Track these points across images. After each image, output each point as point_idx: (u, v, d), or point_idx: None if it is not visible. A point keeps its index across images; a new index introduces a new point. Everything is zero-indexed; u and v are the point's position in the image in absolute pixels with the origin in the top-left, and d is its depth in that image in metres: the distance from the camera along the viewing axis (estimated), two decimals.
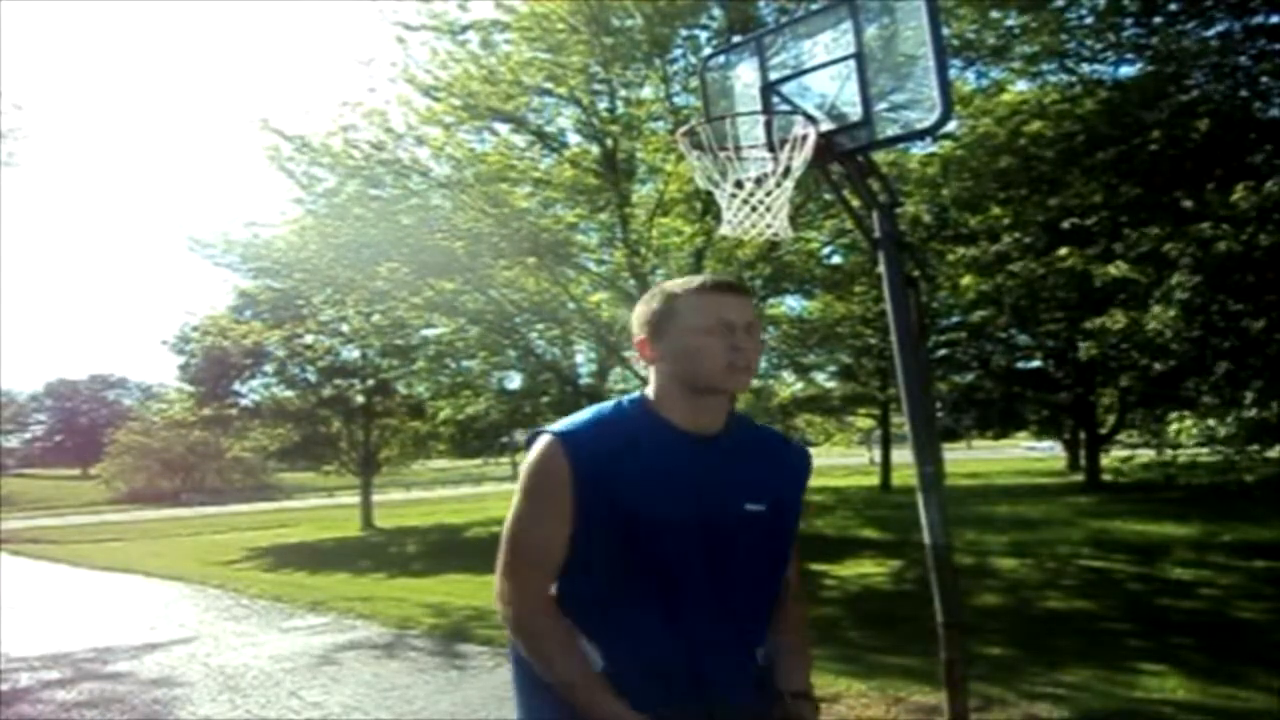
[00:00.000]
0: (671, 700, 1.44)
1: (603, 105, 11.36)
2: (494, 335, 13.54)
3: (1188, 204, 8.98)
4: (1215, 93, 9.57)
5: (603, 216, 12.11)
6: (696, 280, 1.61)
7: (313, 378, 22.42)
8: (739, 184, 3.54)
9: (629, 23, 10.03)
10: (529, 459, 1.52)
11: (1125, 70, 10.13)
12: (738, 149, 3.52)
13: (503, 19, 10.43)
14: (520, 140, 11.91)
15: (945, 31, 9.99)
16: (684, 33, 10.54)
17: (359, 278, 11.63)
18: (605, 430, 1.52)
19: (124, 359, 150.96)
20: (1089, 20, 9.49)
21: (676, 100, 10.74)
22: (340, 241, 10.84)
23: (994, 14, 9.23)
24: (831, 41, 3.72)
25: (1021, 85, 10.47)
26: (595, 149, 11.60)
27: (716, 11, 10.54)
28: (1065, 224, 10.78)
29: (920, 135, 3.97)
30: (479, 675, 5.80)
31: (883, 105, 3.60)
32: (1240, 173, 8.25)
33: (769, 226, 3.50)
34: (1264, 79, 9.54)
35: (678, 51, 10.64)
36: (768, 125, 3.70)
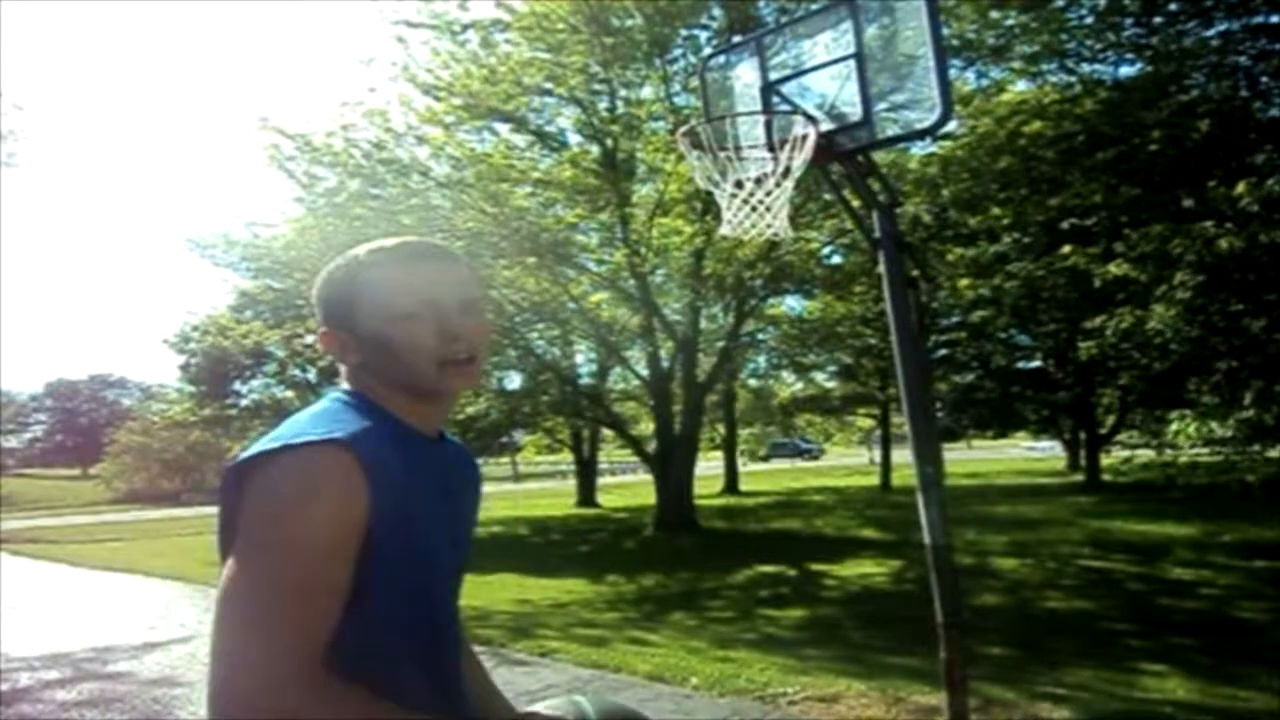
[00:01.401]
0: None
1: (603, 105, 11.37)
2: (494, 335, 13.55)
3: (1189, 203, 8.98)
4: (1215, 93, 9.57)
5: (603, 216, 12.11)
6: (388, 245, 1.18)
7: (313, 378, 22.44)
8: (739, 184, 3.54)
9: (629, 23, 10.04)
10: (292, 487, 1.02)
11: (1125, 70, 10.14)
12: (738, 149, 3.52)
13: (503, 19, 10.45)
14: (520, 140, 11.93)
15: (945, 31, 9.99)
16: (684, 33, 10.55)
17: None
18: (378, 433, 1.10)
19: (124, 359, 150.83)
20: (1089, 20, 9.49)
21: (676, 100, 10.75)
22: (340, 241, 10.85)
23: (994, 14, 9.24)
24: (831, 41, 3.72)
25: (1021, 85, 10.48)
26: (595, 149, 11.61)
27: (716, 11, 10.55)
28: (1065, 224, 10.78)
29: (920, 135, 3.97)
30: None
31: (883, 105, 3.60)
32: (1241, 172, 8.25)
33: (769, 226, 3.50)
34: (1264, 79, 9.54)
35: (678, 51, 10.65)
36: (768, 125, 3.70)
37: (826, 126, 3.60)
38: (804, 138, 3.41)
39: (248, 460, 1.06)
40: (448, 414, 1.25)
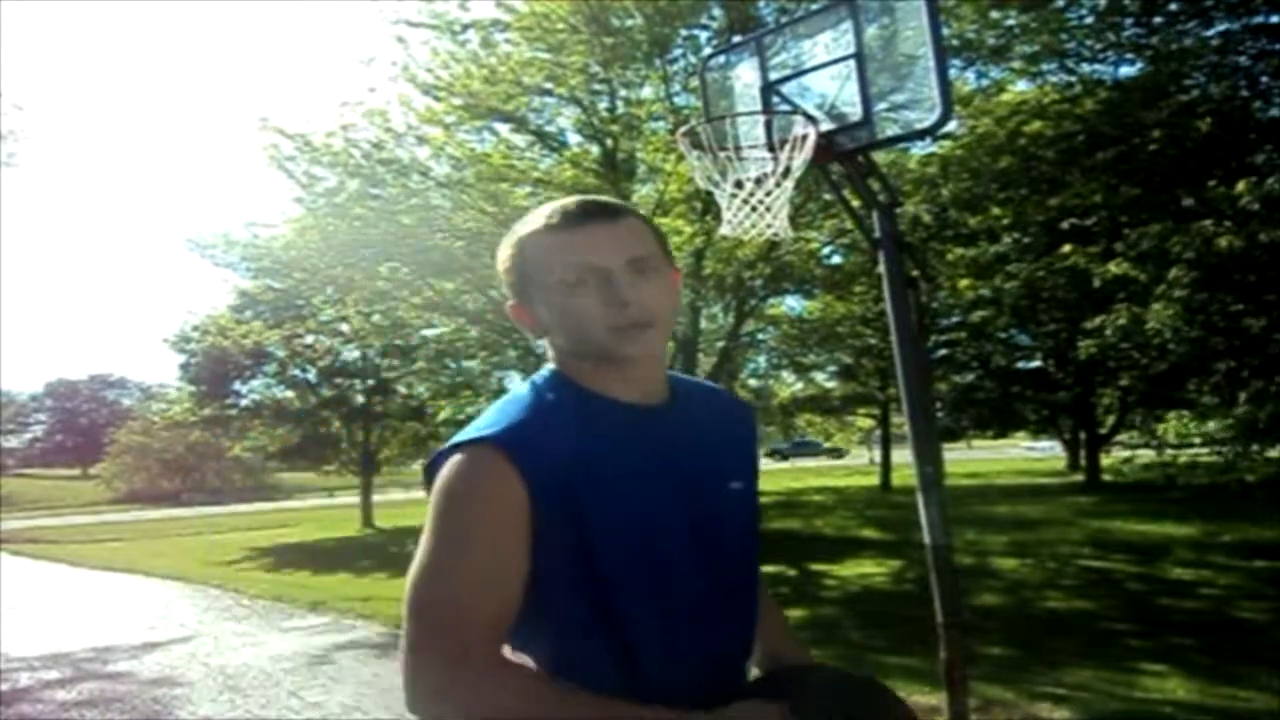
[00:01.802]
0: None
1: (603, 105, 11.36)
2: (494, 335, 13.53)
3: (1189, 202, 8.98)
4: (1215, 93, 9.57)
5: None
6: (546, 210, 1.16)
7: (313, 378, 22.44)
8: (739, 184, 3.54)
9: (629, 23, 10.03)
10: (453, 486, 1.06)
11: (1125, 70, 10.13)
12: (738, 149, 3.52)
13: (503, 19, 10.44)
14: (520, 140, 11.91)
15: (945, 31, 9.99)
16: (684, 33, 10.54)
17: (359, 278, 11.64)
18: (550, 424, 1.10)
19: (124, 359, 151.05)
20: (1089, 20, 9.49)
21: (676, 100, 10.75)
22: (340, 241, 10.85)
23: (994, 14, 9.24)
24: (831, 41, 3.72)
25: (1021, 85, 10.48)
26: (595, 149, 11.61)
27: (716, 11, 10.54)
28: (1065, 224, 10.78)
29: (920, 135, 3.97)
30: None
31: (883, 105, 3.60)
32: (1241, 172, 8.25)
33: (769, 226, 3.50)
34: (1264, 79, 9.54)
35: (678, 51, 10.64)
36: (768, 125, 3.70)
37: (826, 126, 3.60)
38: (804, 138, 3.42)
39: (436, 455, 1.11)
40: (657, 377, 1.19)
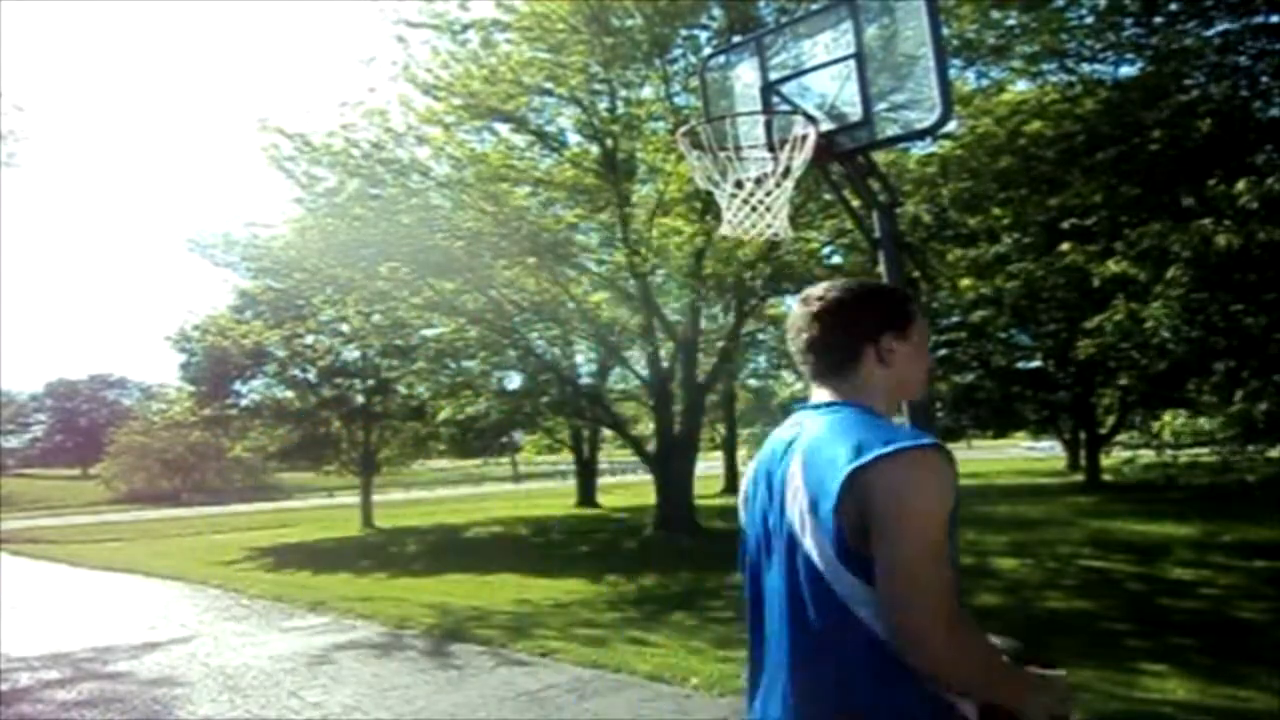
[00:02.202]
0: None
1: (603, 105, 11.37)
2: (494, 335, 13.53)
3: (1189, 201, 8.97)
4: (1215, 93, 9.56)
5: (603, 216, 12.11)
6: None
7: (313, 378, 22.43)
8: (739, 184, 3.53)
9: (629, 23, 10.04)
10: (941, 477, 1.32)
11: (1125, 70, 10.13)
12: (738, 149, 3.52)
13: (503, 19, 10.44)
14: (520, 140, 11.92)
15: (945, 31, 9.98)
16: (684, 33, 10.55)
17: (359, 277, 11.65)
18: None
19: (124, 359, 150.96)
20: (1089, 20, 9.49)
21: (676, 100, 10.75)
22: (340, 241, 10.86)
23: (994, 14, 9.24)
24: (831, 41, 3.72)
25: (1021, 85, 10.48)
26: (595, 149, 11.61)
27: (716, 11, 10.55)
28: (1065, 224, 10.77)
29: (920, 135, 3.96)
30: (479, 675, 5.79)
31: (883, 105, 3.60)
32: (1241, 172, 8.24)
33: (769, 226, 3.50)
34: (1264, 79, 9.53)
35: (678, 51, 10.65)
36: (768, 125, 3.70)
37: (826, 126, 3.59)
38: (804, 138, 3.41)
39: (913, 444, 1.34)
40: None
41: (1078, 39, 9.66)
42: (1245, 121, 9.51)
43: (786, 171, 3.45)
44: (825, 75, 3.71)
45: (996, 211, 11.29)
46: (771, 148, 3.57)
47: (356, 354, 21.27)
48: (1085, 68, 10.05)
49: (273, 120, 10.48)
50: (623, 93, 11.28)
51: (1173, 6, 9.36)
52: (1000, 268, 12.08)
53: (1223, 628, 6.48)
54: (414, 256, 10.89)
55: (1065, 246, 9.74)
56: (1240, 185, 7.52)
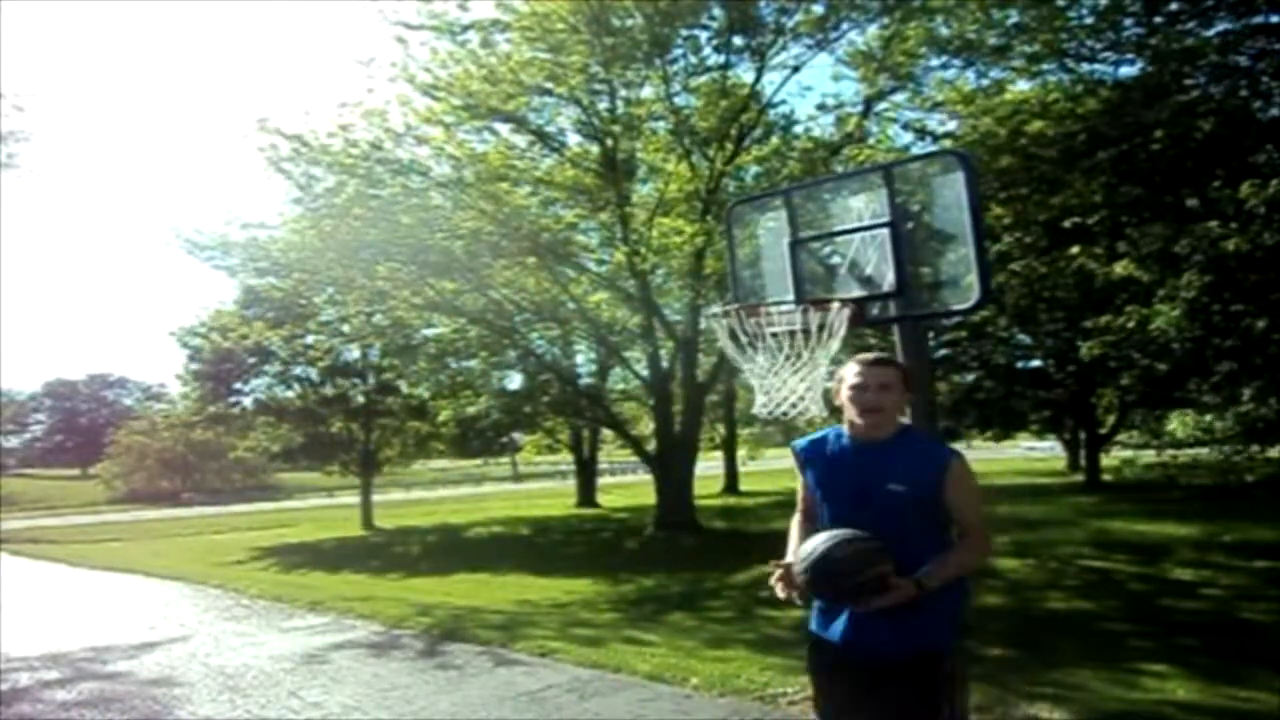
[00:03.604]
0: None
1: (603, 105, 11.36)
2: (494, 335, 13.52)
3: (1193, 202, 8.96)
4: (1216, 93, 9.55)
5: (603, 216, 12.11)
6: (859, 359, 2.53)
7: (315, 376, 22.43)
8: (770, 360, 3.41)
9: (629, 23, 10.03)
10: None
11: (1126, 70, 10.12)
12: (767, 309, 3.43)
13: (503, 19, 10.43)
14: (520, 140, 11.91)
15: (946, 32, 10.03)
16: (684, 33, 10.54)
17: (359, 278, 11.63)
18: (823, 440, 2.61)
19: (123, 359, 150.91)
20: (1089, 20, 9.49)
21: (676, 100, 10.75)
22: (340, 242, 10.85)
23: (995, 13, 9.24)
24: (864, 207, 3.58)
25: (1022, 85, 10.48)
26: (595, 149, 11.60)
27: (717, 11, 10.54)
28: (1067, 223, 10.76)
29: (956, 314, 3.88)
30: (479, 675, 5.79)
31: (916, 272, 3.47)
32: (1242, 172, 8.24)
33: (801, 399, 3.43)
34: (1264, 79, 9.52)
35: (678, 51, 10.65)
36: (797, 281, 3.64)
37: (858, 292, 3.50)
38: (837, 320, 3.32)
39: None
40: (874, 433, 2.47)
41: (1078, 39, 9.65)
42: (1246, 122, 9.50)
43: (816, 332, 3.34)
44: (857, 236, 3.57)
45: (998, 211, 11.29)
46: (800, 300, 3.50)
47: (357, 354, 21.28)
48: (1086, 68, 10.05)
49: (271, 121, 10.47)
50: (623, 93, 11.27)
51: (1173, 6, 9.35)
52: (1001, 267, 12.07)
53: (1224, 628, 6.47)
54: (414, 256, 10.88)
55: (1075, 249, 9.73)
56: (1245, 188, 7.51)
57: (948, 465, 2.45)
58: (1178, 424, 10.67)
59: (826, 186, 4.08)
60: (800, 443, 2.65)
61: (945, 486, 2.43)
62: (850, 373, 2.49)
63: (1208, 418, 9.79)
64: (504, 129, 11.74)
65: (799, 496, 2.66)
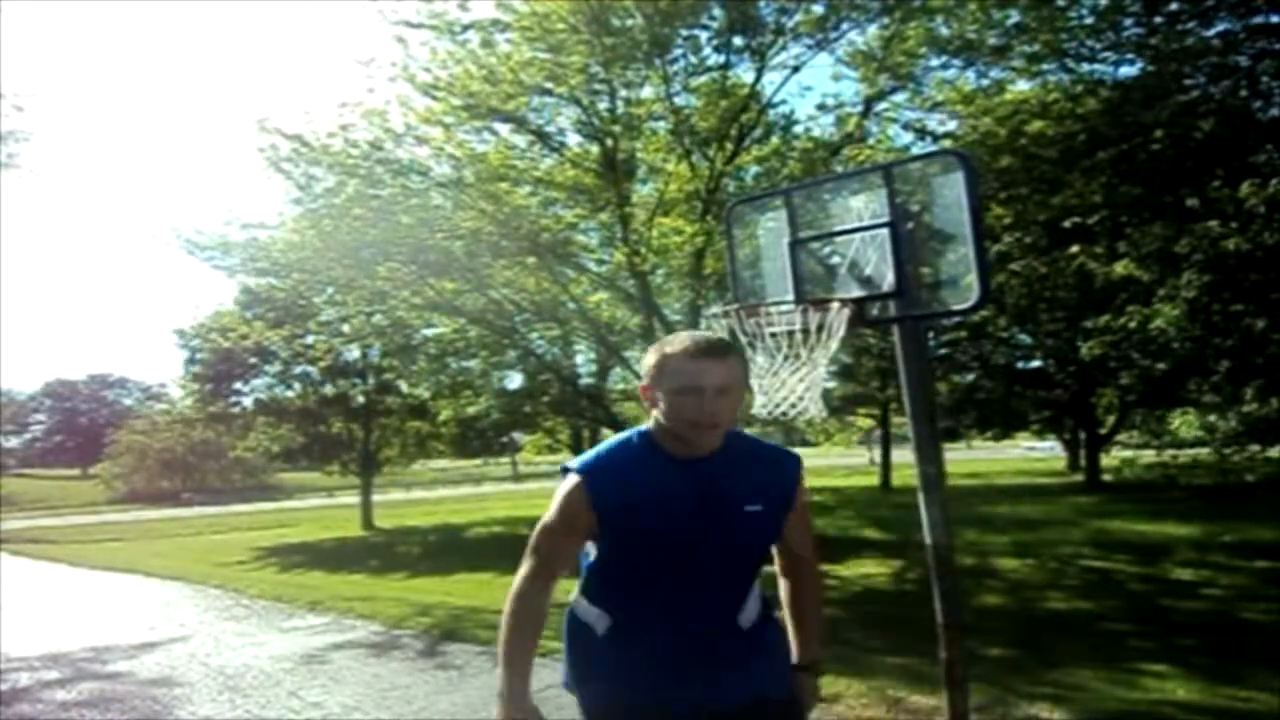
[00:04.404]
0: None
1: (603, 105, 11.34)
2: (494, 335, 13.51)
3: (1193, 202, 8.97)
4: (1216, 93, 9.55)
5: (603, 216, 12.10)
6: (684, 340, 1.85)
7: (316, 376, 22.45)
8: (769, 360, 3.42)
9: (629, 23, 10.02)
10: (557, 494, 1.90)
11: (1126, 70, 10.12)
12: (767, 309, 3.43)
13: (503, 19, 10.41)
14: (520, 140, 11.89)
15: (946, 32, 10.02)
16: (684, 33, 10.53)
17: (359, 278, 11.62)
18: (622, 463, 1.87)
19: (123, 359, 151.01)
20: (1089, 20, 9.48)
21: (677, 100, 10.74)
22: (340, 241, 10.83)
23: (995, 13, 9.23)
24: (864, 207, 3.56)
25: (1022, 85, 10.47)
26: (595, 149, 11.58)
27: (717, 11, 10.53)
28: (1066, 223, 10.76)
29: (956, 314, 3.88)
30: (479, 675, 5.79)
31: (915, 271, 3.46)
32: (1242, 172, 8.24)
33: (800, 399, 3.43)
34: (1265, 79, 9.52)
35: (678, 51, 10.63)
36: (796, 281, 3.63)
37: (857, 292, 3.49)
38: (837, 320, 3.31)
39: (564, 467, 1.97)
40: (705, 448, 1.85)
41: (1078, 39, 9.65)
42: (1246, 122, 9.50)
43: (814, 341, 3.34)
44: (856, 236, 3.56)
45: (998, 211, 11.28)
46: (799, 300, 3.49)
47: (357, 354, 21.28)
48: (1086, 68, 10.05)
49: (271, 121, 10.45)
50: (623, 93, 11.25)
51: (1173, 6, 9.35)
52: (1001, 267, 12.07)
53: (1224, 628, 6.47)
54: (414, 256, 10.87)
55: (1075, 249, 9.73)
56: (1245, 188, 7.52)
57: (799, 473, 1.98)
58: (1181, 424, 10.68)
59: (826, 186, 4.08)
60: (580, 466, 1.89)
61: (794, 502, 1.97)
62: (675, 366, 1.79)
63: (1212, 418, 9.80)
64: (504, 129, 11.71)
65: (539, 550, 1.92)
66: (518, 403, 16.69)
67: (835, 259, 3.66)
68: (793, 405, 3.41)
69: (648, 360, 1.89)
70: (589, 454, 1.91)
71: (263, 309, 20.27)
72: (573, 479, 1.86)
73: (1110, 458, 20.82)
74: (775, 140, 12.23)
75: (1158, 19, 9.34)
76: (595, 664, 1.96)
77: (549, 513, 1.89)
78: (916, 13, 9.69)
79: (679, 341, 1.84)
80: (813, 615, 2.13)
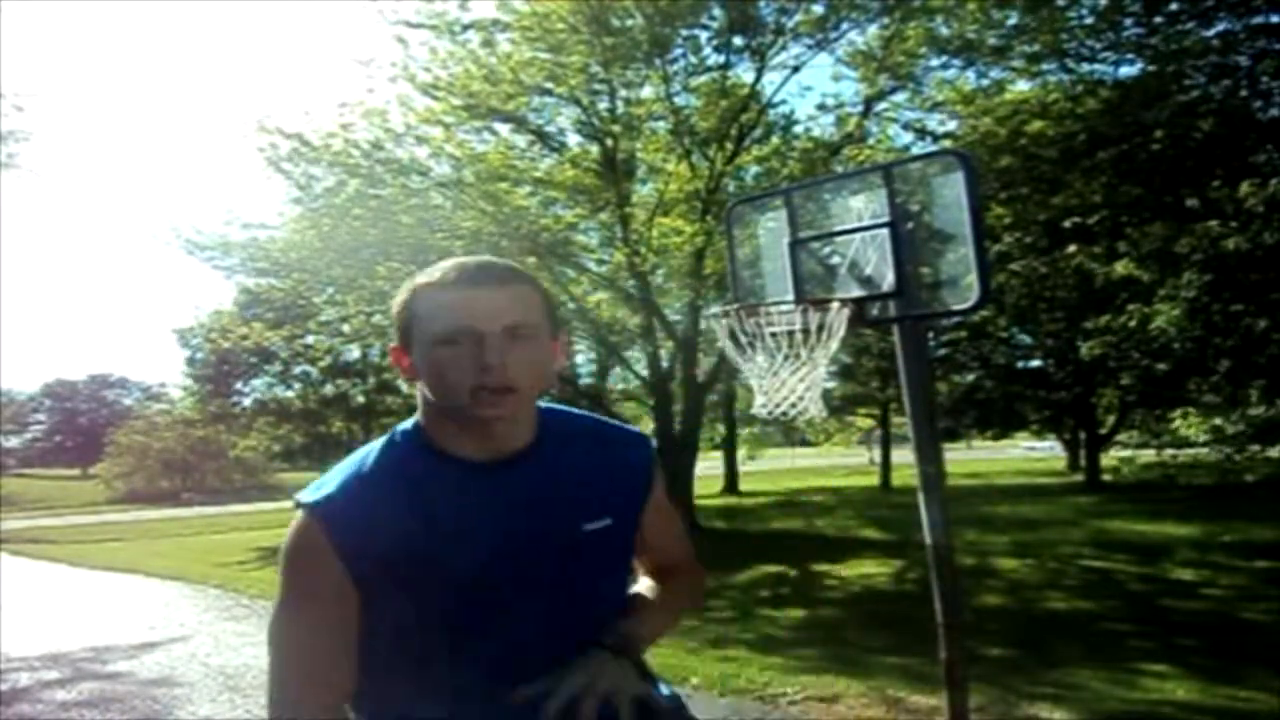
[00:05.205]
0: None
1: (603, 105, 11.35)
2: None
3: (1193, 202, 8.98)
4: (1216, 92, 9.57)
5: (603, 216, 12.10)
6: (443, 265, 1.18)
7: (316, 375, 22.48)
8: (769, 360, 3.42)
9: (629, 23, 10.03)
10: (285, 549, 1.20)
11: (1126, 70, 10.13)
12: (767, 308, 3.42)
13: (503, 19, 10.43)
14: (520, 140, 11.90)
15: (946, 32, 10.03)
16: (684, 33, 10.54)
17: (359, 278, 11.63)
18: (380, 494, 1.16)
19: (123, 359, 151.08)
20: (1089, 20, 9.49)
21: (677, 100, 10.75)
22: (340, 241, 10.84)
23: (995, 14, 9.24)
24: (864, 206, 3.55)
25: (1022, 85, 10.48)
26: (595, 149, 11.59)
27: (717, 11, 10.54)
28: (1067, 223, 10.78)
29: (956, 314, 3.87)
30: None
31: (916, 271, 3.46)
32: (1242, 172, 8.25)
33: (800, 399, 3.43)
34: (1264, 79, 9.53)
35: (678, 51, 10.64)
36: (796, 281, 3.62)
37: (857, 292, 3.49)
38: (837, 320, 3.30)
39: (297, 500, 1.21)
40: (507, 438, 1.18)
41: (1078, 39, 9.66)
42: (1246, 122, 9.51)
43: (816, 335, 3.33)
44: (856, 236, 3.56)
45: (998, 211, 11.30)
46: (799, 300, 3.48)
47: (357, 354, 21.31)
48: (1086, 68, 10.06)
49: (271, 120, 10.47)
50: (623, 93, 11.26)
51: (1173, 6, 9.36)
52: (1001, 267, 12.09)
53: (1224, 628, 6.47)
54: (414, 256, 10.88)
55: (1075, 249, 9.74)
56: (1244, 188, 7.53)
57: (651, 458, 1.33)
58: (1182, 424, 10.69)
59: (826, 186, 4.08)
60: (315, 498, 1.17)
61: (649, 502, 1.32)
62: (431, 303, 1.14)
63: (1218, 421, 9.81)
64: (504, 129, 11.73)
65: (296, 659, 1.19)
66: None
67: (835, 259, 3.66)
68: (793, 405, 3.41)
69: (395, 301, 1.21)
70: (330, 475, 1.21)
71: (262, 309, 20.31)
72: (301, 521, 1.17)
73: (1109, 458, 20.83)
74: (775, 140, 12.24)
75: (1158, 19, 9.34)
76: None
77: (279, 588, 1.20)
78: (916, 13, 9.69)
79: (438, 269, 1.17)
80: (667, 604, 1.38)
